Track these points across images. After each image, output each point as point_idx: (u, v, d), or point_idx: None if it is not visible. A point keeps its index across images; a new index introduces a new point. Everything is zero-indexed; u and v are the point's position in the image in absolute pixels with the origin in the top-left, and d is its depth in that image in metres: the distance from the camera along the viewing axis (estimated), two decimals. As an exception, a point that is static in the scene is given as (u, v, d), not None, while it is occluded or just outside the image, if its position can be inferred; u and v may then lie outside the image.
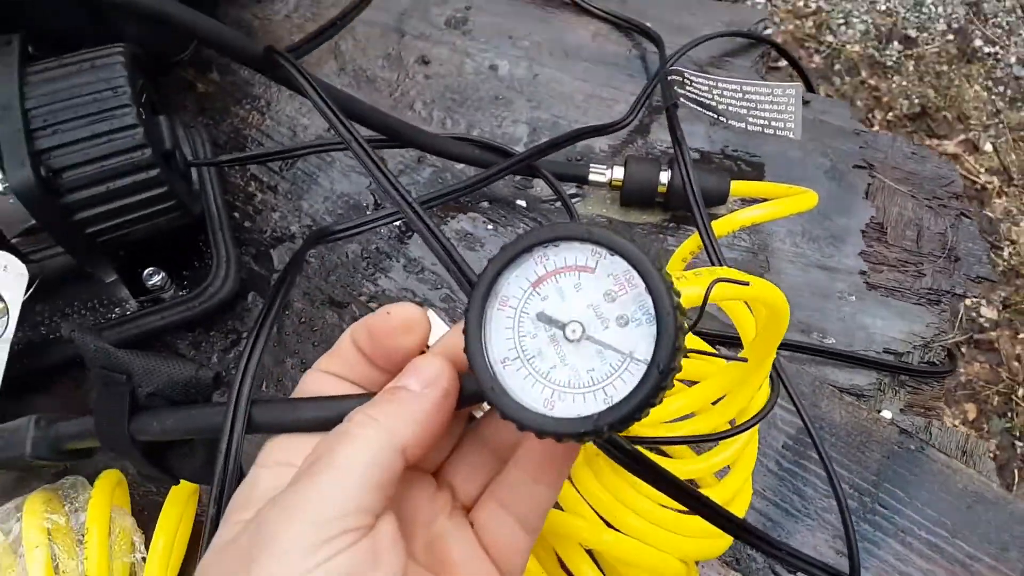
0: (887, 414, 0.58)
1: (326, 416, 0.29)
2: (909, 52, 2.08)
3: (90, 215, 0.50)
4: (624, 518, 0.39)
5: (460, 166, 0.66)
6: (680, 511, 0.40)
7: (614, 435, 0.26)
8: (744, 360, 0.41)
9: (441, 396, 0.28)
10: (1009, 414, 1.56)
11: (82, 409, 0.57)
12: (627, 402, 0.24)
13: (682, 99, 0.65)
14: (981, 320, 1.69)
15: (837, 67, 2.03)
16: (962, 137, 1.95)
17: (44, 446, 0.42)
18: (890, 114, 1.98)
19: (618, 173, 0.65)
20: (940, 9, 2.20)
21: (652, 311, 0.25)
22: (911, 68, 2.05)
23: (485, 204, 0.65)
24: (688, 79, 0.69)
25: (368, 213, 0.64)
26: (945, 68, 2.05)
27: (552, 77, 0.72)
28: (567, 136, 0.62)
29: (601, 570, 0.42)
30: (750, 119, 0.67)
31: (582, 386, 0.26)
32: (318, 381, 0.31)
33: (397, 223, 0.62)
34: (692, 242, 0.56)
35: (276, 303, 0.43)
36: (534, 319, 0.26)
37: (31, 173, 0.46)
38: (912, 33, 2.10)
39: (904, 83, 2.01)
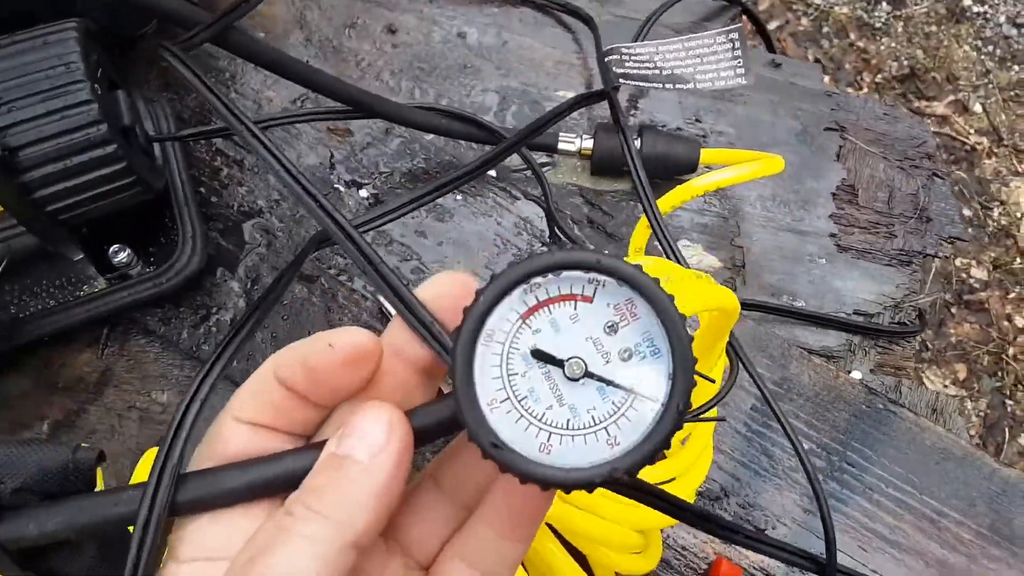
0: (856, 375, 0.59)
1: (254, 486, 0.24)
2: (898, 13, 2.06)
3: (48, 193, 0.49)
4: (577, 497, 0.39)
5: (429, 137, 0.66)
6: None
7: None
8: (713, 381, 0.41)
9: (396, 463, 0.23)
10: (999, 373, 1.56)
11: (51, 388, 0.57)
12: (643, 445, 0.23)
13: (621, 79, 0.64)
14: (971, 281, 1.69)
15: (825, 30, 2.02)
16: (951, 98, 1.94)
17: None
18: (879, 76, 1.96)
19: (587, 142, 0.65)
20: (929, -31, 2.18)
21: (657, 343, 0.23)
22: (900, 29, 2.03)
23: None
24: (626, 55, 0.67)
25: (334, 190, 0.64)
26: (934, 29, 2.03)
27: (521, 44, 0.72)
28: (565, 105, 0.61)
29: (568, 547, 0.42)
30: (697, 76, 0.65)
31: (582, 427, 0.23)
32: (235, 434, 0.25)
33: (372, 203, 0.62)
34: (642, 229, 0.56)
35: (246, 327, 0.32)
36: (525, 356, 0.23)
37: (-14, 151, 0.46)
38: (901, -6, 2.08)
39: (893, 45, 1.99)
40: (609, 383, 0.23)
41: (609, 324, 0.24)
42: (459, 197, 0.63)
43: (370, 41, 0.71)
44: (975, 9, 2.10)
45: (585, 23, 0.73)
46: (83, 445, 0.28)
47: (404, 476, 0.24)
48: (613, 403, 0.23)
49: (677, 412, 0.23)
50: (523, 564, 0.43)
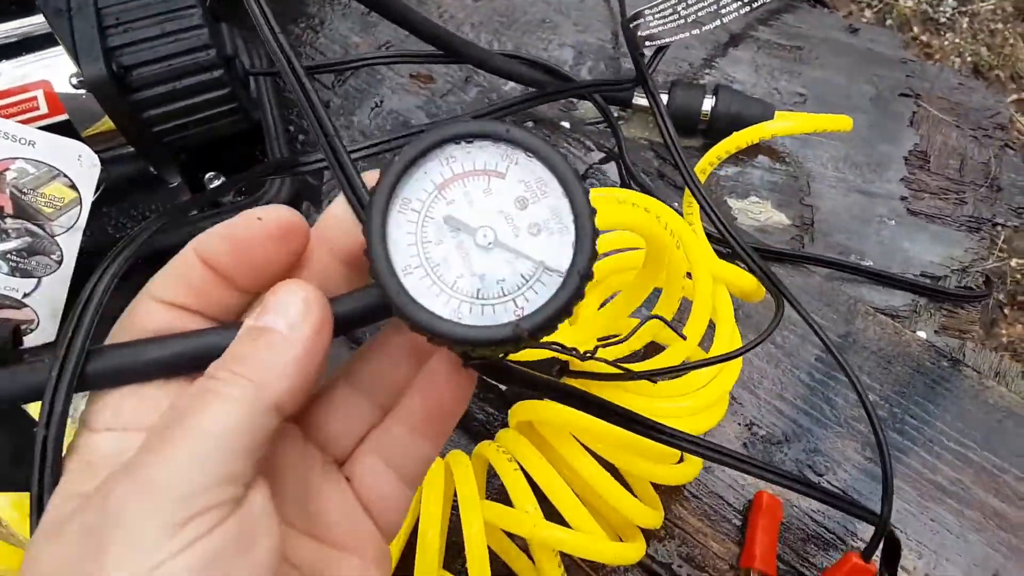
0: (921, 334, 0.59)
1: (172, 360, 0.24)
2: (963, 9, 2.02)
3: (157, 113, 0.52)
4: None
5: (506, 87, 0.68)
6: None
7: (530, 344, 0.24)
8: (684, 337, 0.42)
9: (313, 334, 0.24)
10: (1050, 377, 1.54)
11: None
12: (547, 307, 0.23)
13: (647, 41, 0.65)
14: (1025, 282, 1.67)
15: (889, 23, 1.99)
16: (1015, 97, 1.90)
17: None
18: (941, 72, 1.93)
19: (663, 99, 0.66)
20: (998, -35, 2.14)
21: (565, 221, 0.24)
22: (964, 25, 2.00)
23: (530, 123, 0.66)
24: (649, 15, 0.67)
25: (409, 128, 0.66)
26: (1000, 26, 2.00)
27: (599, 2, 0.73)
28: (628, 78, 0.64)
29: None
30: (722, 11, 0.65)
31: (492, 297, 0.24)
32: (152, 314, 0.25)
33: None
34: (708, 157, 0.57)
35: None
36: (440, 224, 0.24)
37: (104, 68, 0.49)
38: (968, -11, 2.05)
39: (957, 40, 1.96)
40: (517, 253, 0.24)
41: (519, 199, 0.25)
42: (535, 145, 0.65)
43: (453, -6, 0.73)
44: (1044, 7, 2.05)
45: None
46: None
47: (323, 349, 0.24)
48: (522, 275, 0.24)
49: (579, 277, 0.23)
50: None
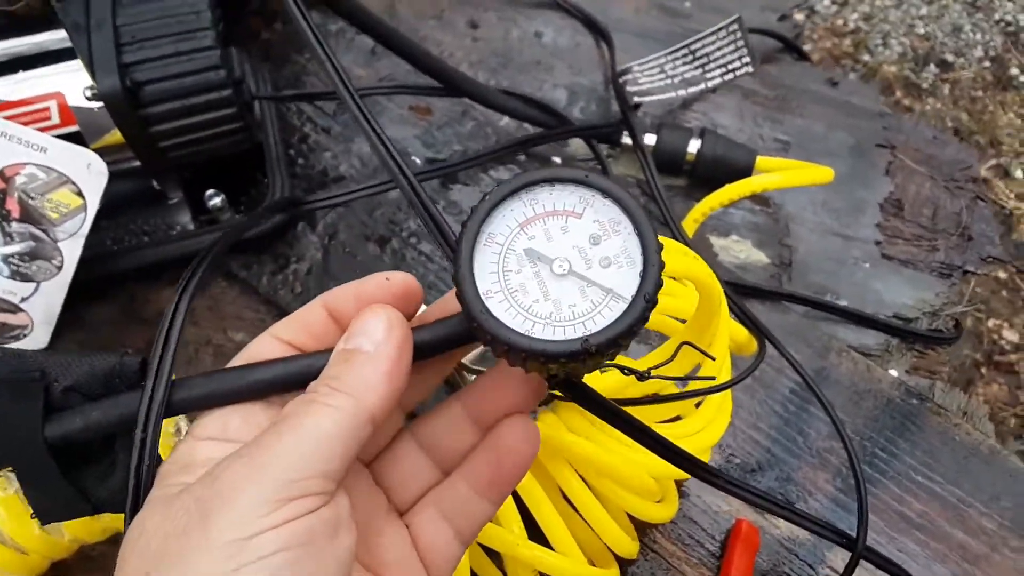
0: (893, 373, 0.61)
1: (277, 379, 0.28)
2: (945, 76, 2.09)
3: (166, 128, 0.55)
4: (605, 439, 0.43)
5: (501, 122, 0.71)
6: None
7: (597, 361, 0.26)
8: (713, 358, 0.44)
9: (397, 351, 0.27)
10: (1025, 436, 1.56)
11: (135, 319, 0.61)
12: (614, 327, 0.26)
13: (636, 96, 0.68)
14: (1002, 342, 1.70)
15: (872, 86, 2.06)
16: (993, 162, 1.96)
17: None
18: (922, 135, 1.98)
19: (650, 139, 0.69)
20: (978, 36, 2.21)
21: (634, 256, 0.27)
22: (946, 91, 2.06)
23: (522, 158, 0.69)
24: (638, 71, 0.71)
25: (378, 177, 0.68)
26: (980, 94, 2.06)
27: (593, 47, 0.76)
28: (618, 120, 0.67)
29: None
30: (707, 76, 0.69)
31: (563, 320, 0.26)
32: (268, 346, 0.29)
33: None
34: (689, 223, 0.60)
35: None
36: (520, 255, 0.27)
37: (118, 82, 0.51)
38: (949, 58, 2.12)
39: (939, 105, 2.02)
40: (590, 282, 0.27)
41: (593, 236, 0.27)
42: (527, 178, 0.67)
43: (453, 33, 0.76)
44: (1022, 78, 2.13)
45: (603, 38, 0.78)
46: (128, 351, 0.30)
47: (406, 364, 0.27)
48: (592, 301, 0.26)
49: (645, 301, 0.26)
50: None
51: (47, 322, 0.59)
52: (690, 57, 0.70)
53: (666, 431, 0.45)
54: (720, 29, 0.69)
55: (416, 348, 0.28)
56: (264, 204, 0.60)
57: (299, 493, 0.24)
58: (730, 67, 0.69)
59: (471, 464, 0.30)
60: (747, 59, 0.68)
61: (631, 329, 0.26)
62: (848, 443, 0.52)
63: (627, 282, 0.26)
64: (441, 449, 0.31)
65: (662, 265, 0.26)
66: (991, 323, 1.86)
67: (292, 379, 0.28)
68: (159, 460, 0.28)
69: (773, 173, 0.65)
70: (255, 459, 0.24)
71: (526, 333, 0.26)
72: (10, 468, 0.29)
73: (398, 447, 0.32)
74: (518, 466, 0.30)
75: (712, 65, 0.70)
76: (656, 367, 0.40)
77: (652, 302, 0.26)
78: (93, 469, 0.31)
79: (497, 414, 0.30)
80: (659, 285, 0.26)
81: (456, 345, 0.29)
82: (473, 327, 0.27)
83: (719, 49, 0.70)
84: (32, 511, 0.31)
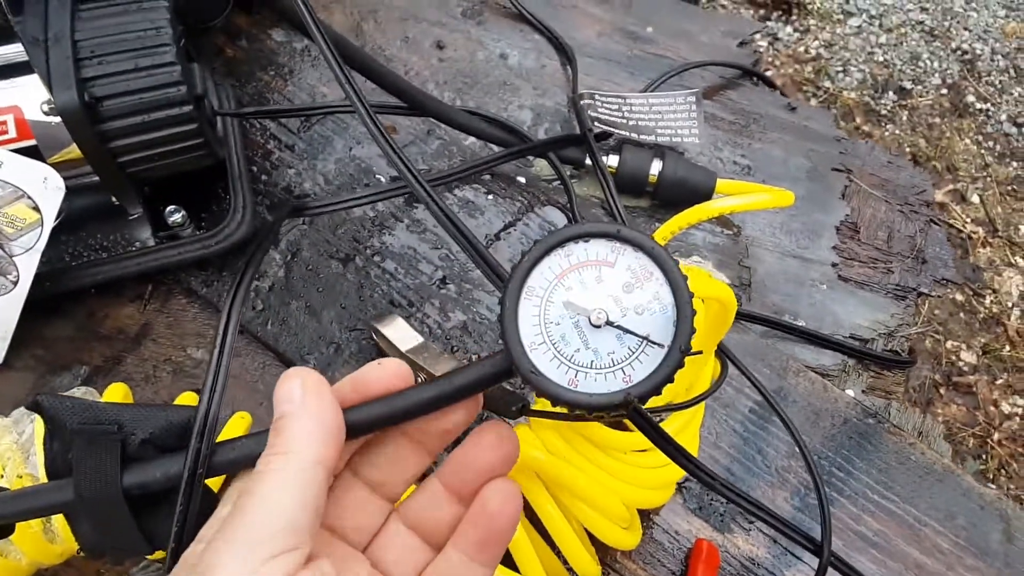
0: (850, 392, 0.62)
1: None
2: (903, 103, 2.15)
3: (124, 144, 0.54)
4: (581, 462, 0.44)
5: (466, 141, 0.71)
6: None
7: (638, 408, 0.29)
8: (699, 352, 0.45)
9: (317, 398, 0.29)
10: (983, 456, 1.59)
11: (93, 336, 0.60)
12: (653, 377, 0.27)
13: (595, 121, 0.70)
14: (960, 364, 1.73)
15: (832, 112, 2.10)
16: (950, 187, 2.01)
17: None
18: (882, 160, 2.03)
19: (613, 160, 0.70)
20: (935, 64, 2.27)
21: (665, 302, 0.28)
22: (904, 118, 2.11)
23: (487, 177, 0.69)
24: (599, 100, 0.72)
25: (359, 189, 0.68)
26: (937, 120, 2.12)
27: (558, 69, 0.77)
28: (549, 140, 0.68)
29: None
30: (658, 131, 0.71)
31: (604, 367, 0.28)
32: None
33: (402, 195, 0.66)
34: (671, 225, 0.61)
35: (246, 277, 0.42)
36: (560, 307, 0.29)
37: (76, 97, 0.50)
38: (907, 85, 2.17)
39: (897, 131, 2.07)
40: (627, 331, 0.28)
41: (626, 284, 0.29)
42: (490, 197, 0.68)
43: (420, 54, 0.77)
44: (978, 106, 2.18)
45: (567, 58, 0.79)
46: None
47: (330, 405, 0.29)
48: (629, 348, 0.28)
49: (680, 352, 0.28)
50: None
51: (3, 337, 0.58)
52: (647, 108, 0.72)
53: (640, 461, 0.46)
54: (680, 96, 0.71)
55: (464, 389, 0.30)
56: (275, 214, 0.59)
57: (270, 553, 0.26)
58: (679, 132, 0.71)
59: (461, 534, 0.32)
60: (696, 131, 0.70)
61: (670, 377, 0.27)
62: (807, 455, 0.53)
63: (661, 328, 0.28)
64: (428, 526, 0.33)
65: (694, 313, 0.28)
66: (949, 344, 1.90)
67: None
68: (215, 500, 0.31)
69: (738, 195, 0.66)
70: (229, 532, 0.26)
71: (569, 387, 0.28)
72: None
73: (388, 530, 0.33)
74: (507, 527, 0.31)
75: (664, 123, 0.72)
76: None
77: (688, 350, 0.28)
78: (159, 513, 0.32)
79: (476, 483, 0.31)
80: (693, 333, 0.28)
81: (500, 381, 0.31)
82: (524, 383, 0.28)
83: (675, 112, 0.72)
84: (82, 546, 0.33)
